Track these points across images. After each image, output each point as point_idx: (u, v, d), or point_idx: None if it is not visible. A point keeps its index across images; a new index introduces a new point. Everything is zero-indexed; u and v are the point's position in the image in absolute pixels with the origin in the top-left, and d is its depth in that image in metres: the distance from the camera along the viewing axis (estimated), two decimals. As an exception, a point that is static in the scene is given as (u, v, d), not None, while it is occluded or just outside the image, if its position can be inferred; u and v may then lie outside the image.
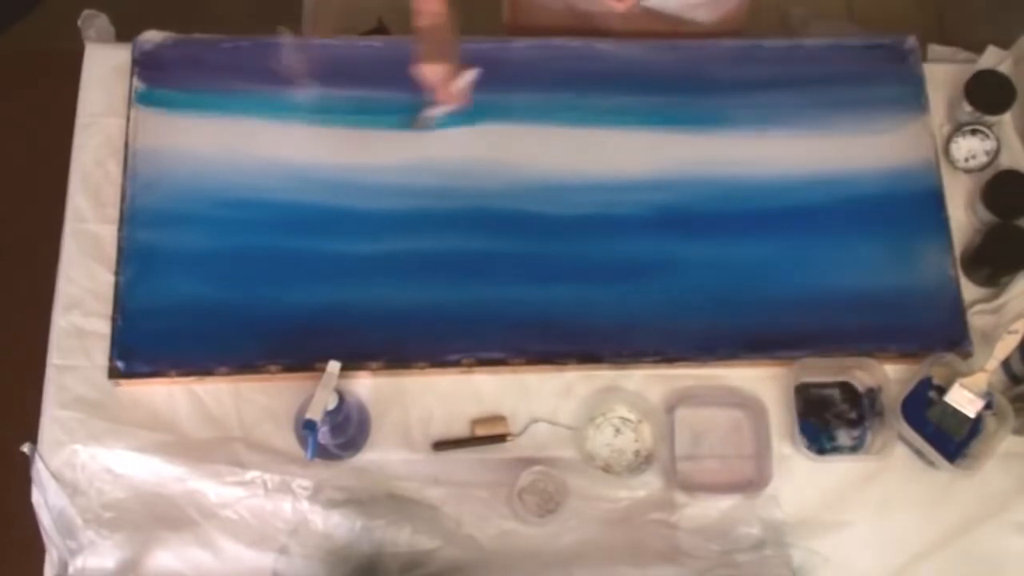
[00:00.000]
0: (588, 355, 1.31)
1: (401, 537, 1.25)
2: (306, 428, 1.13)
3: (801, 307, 1.34)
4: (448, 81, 1.28)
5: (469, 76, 1.31)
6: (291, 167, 1.36)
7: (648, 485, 1.29)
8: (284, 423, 1.26)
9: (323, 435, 1.18)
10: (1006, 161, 1.44)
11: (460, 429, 1.30)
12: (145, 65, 1.40)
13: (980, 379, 1.26)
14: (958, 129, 1.43)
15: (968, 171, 1.43)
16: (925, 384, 1.29)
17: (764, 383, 1.32)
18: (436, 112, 1.35)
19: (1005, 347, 1.27)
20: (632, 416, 1.32)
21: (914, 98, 1.45)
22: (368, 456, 1.28)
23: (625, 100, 1.42)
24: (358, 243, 1.34)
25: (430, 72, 1.26)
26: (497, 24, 1.66)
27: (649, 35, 1.46)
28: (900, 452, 1.30)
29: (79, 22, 1.41)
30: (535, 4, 1.54)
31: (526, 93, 1.42)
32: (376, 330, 1.30)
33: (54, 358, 1.30)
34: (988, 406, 1.27)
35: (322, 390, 1.14)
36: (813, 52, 1.47)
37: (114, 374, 1.27)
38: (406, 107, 1.38)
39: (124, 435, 1.26)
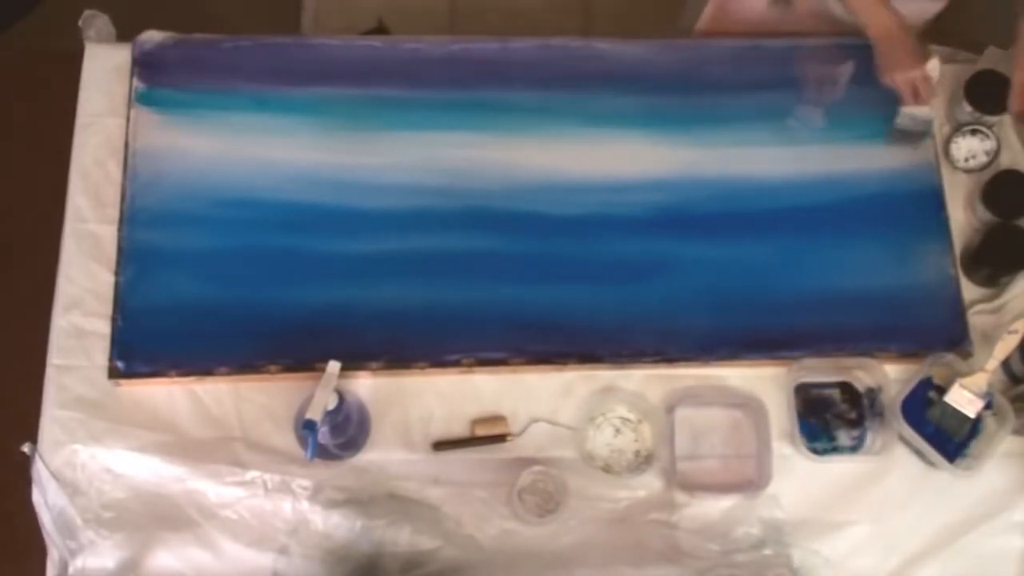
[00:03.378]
0: (588, 355, 1.31)
1: (401, 537, 1.25)
2: (306, 428, 1.13)
3: (801, 307, 1.34)
4: (920, 81, 1.33)
5: (934, 67, 1.33)
6: (291, 167, 1.36)
7: (648, 485, 1.29)
8: (284, 423, 1.26)
9: (323, 435, 1.18)
10: (1006, 161, 1.44)
11: (460, 429, 1.30)
12: (145, 65, 1.40)
13: (980, 379, 1.26)
14: (958, 129, 1.43)
15: (968, 171, 1.43)
16: (925, 384, 1.29)
17: (764, 383, 1.32)
18: (915, 111, 1.37)
19: (1005, 347, 1.27)
20: (632, 416, 1.32)
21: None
22: (368, 456, 1.28)
23: (625, 100, 1.42)
24: (359, 243, 1.34)
25: (902, 80, 1.33)
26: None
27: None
28: (900, 452, 1.30)
29: (80, 22, 1.41)
30: (734, 16, 1.52)
31: (526, 93, 1.42)
32: (376, 330, 1.30)
33: (54, 358, 1.30)
34: (988, 406, 1.27)
35: (322, 390, 1.14)
36: (813, 52, 1.47)
37: (114, 374, 1.27)
38: (406, 106, 1.38)
39: (124, 435, 1.26)
